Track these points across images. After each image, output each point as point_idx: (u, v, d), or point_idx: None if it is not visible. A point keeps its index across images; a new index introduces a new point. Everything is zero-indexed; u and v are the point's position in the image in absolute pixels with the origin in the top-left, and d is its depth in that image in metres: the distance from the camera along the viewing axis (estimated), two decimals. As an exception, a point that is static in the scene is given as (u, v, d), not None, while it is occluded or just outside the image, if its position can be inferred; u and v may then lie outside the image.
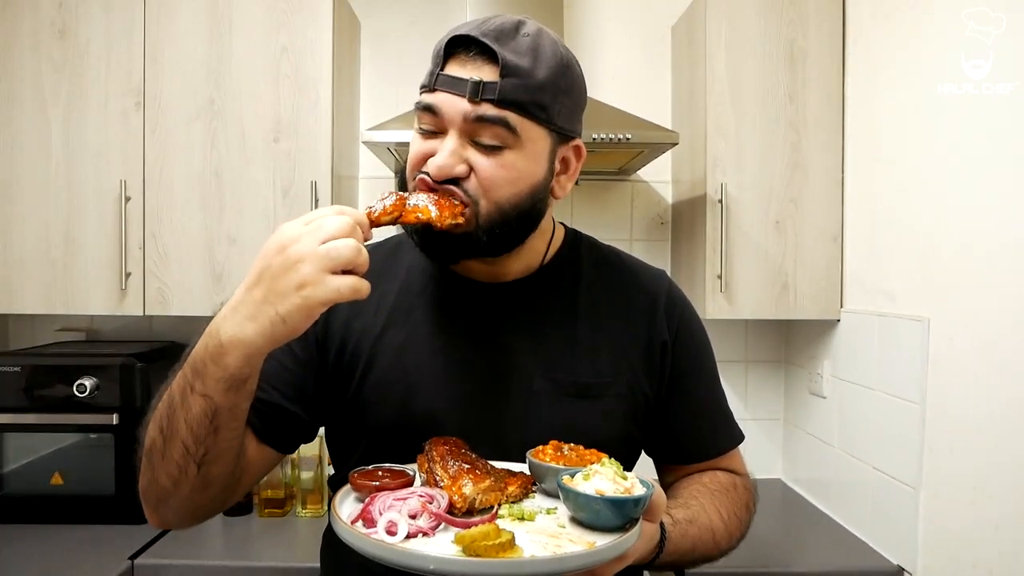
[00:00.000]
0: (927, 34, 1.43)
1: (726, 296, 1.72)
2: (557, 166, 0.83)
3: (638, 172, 2.05)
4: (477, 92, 0.74)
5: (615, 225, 2.07)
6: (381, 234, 0.89)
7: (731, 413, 0.98)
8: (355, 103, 2.00)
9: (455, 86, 0.75)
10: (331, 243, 0.62)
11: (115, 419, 1.63)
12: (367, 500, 0.68)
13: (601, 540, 0.65)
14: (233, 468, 0.76)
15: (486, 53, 0.75)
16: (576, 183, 0.88)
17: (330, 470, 0.98)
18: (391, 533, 0.63)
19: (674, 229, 2.05)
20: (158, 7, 1.70)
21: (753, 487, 0.96)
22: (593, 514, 0.66)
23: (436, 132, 0.78)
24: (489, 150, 0.76)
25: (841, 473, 1.71)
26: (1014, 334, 1.23)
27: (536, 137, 0.78)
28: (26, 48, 1.69)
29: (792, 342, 2.03)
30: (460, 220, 0.71)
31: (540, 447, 0.77)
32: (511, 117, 0.75)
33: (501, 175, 0.76)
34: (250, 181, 1.71)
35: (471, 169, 0.76)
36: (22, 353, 1.76)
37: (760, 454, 2.06)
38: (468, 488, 0.68)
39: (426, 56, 0.82)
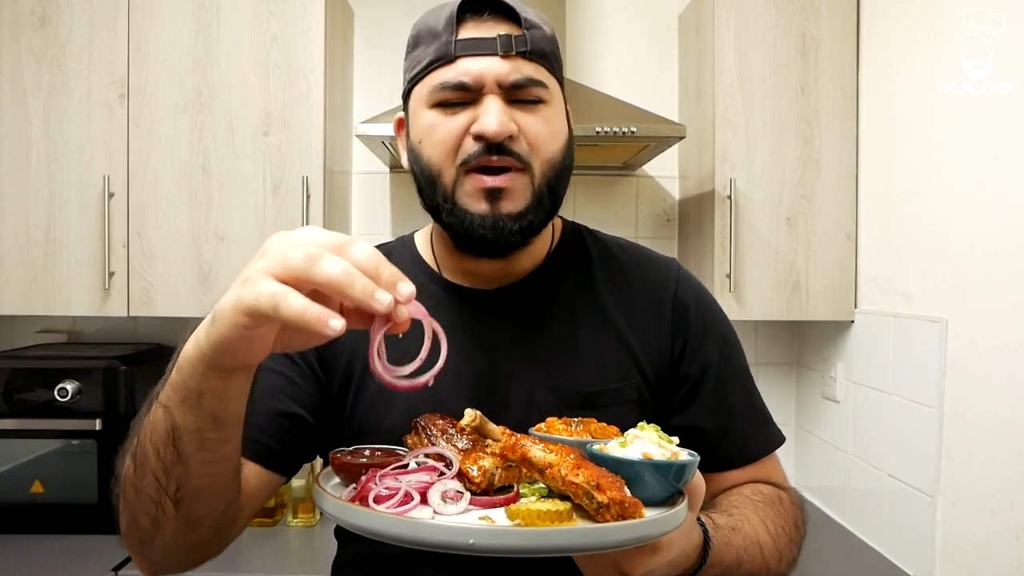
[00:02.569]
0: (944, 25, 1.40)
1: (735, 296, 1.70)
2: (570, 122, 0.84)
3: (643, 167, 2.02)
4: (510, 46, 0.73)
5: (619, 222, 2.04)
6: (363, 221, 0.84)
7: (767, 413, 0.89)
8: (348, 95, 1.97)
9: (481, 47, 0.73)
10: (297, 246, 0.51)
11: (98, 424, 1.60)
12: (365, 479, 0.58)
13: (649, 513, 0.56)
14: (224, 509, 0.69)
15: (499, 11, 0.75)
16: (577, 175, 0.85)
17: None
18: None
19: (681, 226, 2.03)
20: (142, -6, 1.67)
21: (801, 503, 0.87)
22: (637, 482, 0.57)
23: (461, 104, 0.75)
24: (530, 108, 0.75)
25: (855, 481, 1.69)
26: (1038, 336, 1.21)
27: (557, 90, 0.79)
28: (5, 37, 1.66)
29: (804, 344, 2.00)
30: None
31: (540, 425, 0.70)
32: (541, 72, 0.76)
33: (546, 131, 0.76)
34: (239, 176, 1.68)
35: (518, 129, 0.75)
36: (1, 356, 1.73)
37: None
38: (487, 462, 0.60)
39: None
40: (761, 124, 1.70)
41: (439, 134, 0.75)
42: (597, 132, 1.55)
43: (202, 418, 0.59)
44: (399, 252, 0.89)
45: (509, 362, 0.80)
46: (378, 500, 0.55)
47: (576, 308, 0.84)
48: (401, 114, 0.83)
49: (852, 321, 1.72)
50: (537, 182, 0.76)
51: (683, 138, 1.64)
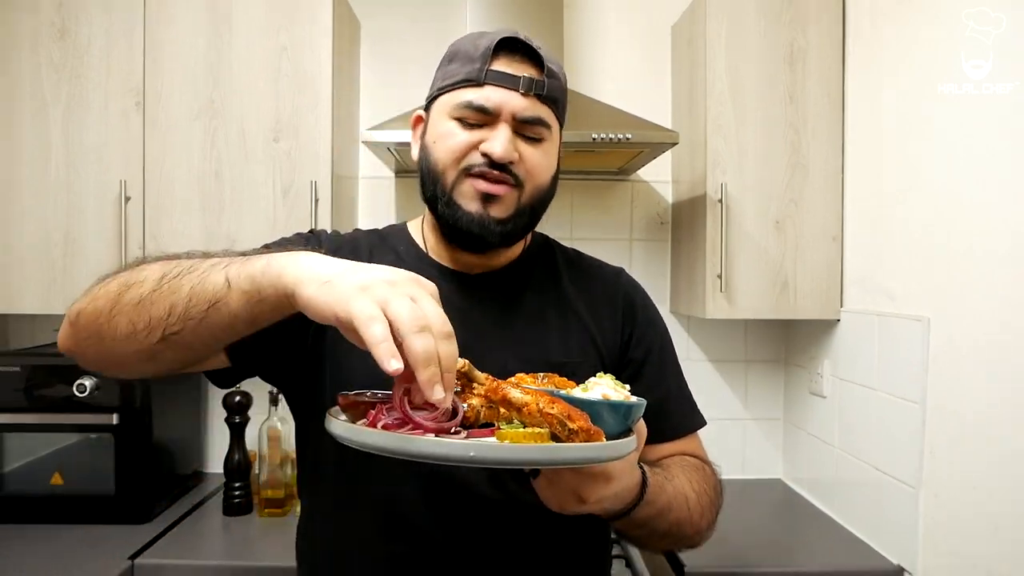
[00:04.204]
0: (927, 34, 1.42)
1: (726, 296, 1.72)
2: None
3: (638, 172, 2.05)
4: (531, 87, 0.84)
5: (615, 225, 2.06)
6: (370, 224, 0.90)
7: (693, 399, 1.02)
8: (355, 103, 2.00)
9: (507, 81, 0.84)
10: (416, 306, 0.60)
11: (115, 419, 1.62)
12: (374, 413, 0.65)
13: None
14: (183, 366, 0.76)
15: (529, 56, 0.86)
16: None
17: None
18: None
19: (674, 229, 2.05)
20: (158, 7, 1.70)
21: (719, 475, 0.98)
22: (595, 419, 0.66)
23: (479, 124, 0.85)
24: (533, 142, 0.87)
25: (841, 473, 1.71)
26: (1015, 333, 1.23)
27: (557, 131, 0.91)
28: (26, 48, 1.69)
29: (792, 342, 2.02)
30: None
31: (510, 380, 0.77)
32: (549, 114, 0.87)
33: (542, 163, 0.88)
34: (250, 181, 1.71)
35: (519, 156, 0.86)
36: (22, 353, 1.76)
37: (760, 454, 2.06)
38: (475, 400, 0.68)
39: (427, 55, 0.88)
40: (751, 131, 1.72)
41: (452, 141, 0.86)
42: (593, 138, 1.57)
43: (247, 311, 0.67)
44: (394, 236, 0.99)
45: (486, 336, 0.89)
46: (389, 428, 0.62)
47: (544, 296, 0.96)
48: (420, 112, 0.94)
49: (838, 320, 1.74)
50: (524, 200, 0.87)
51: (676, 144, 1.66)
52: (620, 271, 1.04)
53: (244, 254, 0.70)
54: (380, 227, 1.03)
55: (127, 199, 1.69)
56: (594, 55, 2.05)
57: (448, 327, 0.62)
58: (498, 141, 0.83)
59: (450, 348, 0.61)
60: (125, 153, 1.70)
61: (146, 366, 0.74)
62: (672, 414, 0.97)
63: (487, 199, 0.85)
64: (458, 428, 0.64)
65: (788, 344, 2.05)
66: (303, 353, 0.88)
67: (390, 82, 2.03)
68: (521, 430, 0.62)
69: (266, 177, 1.71)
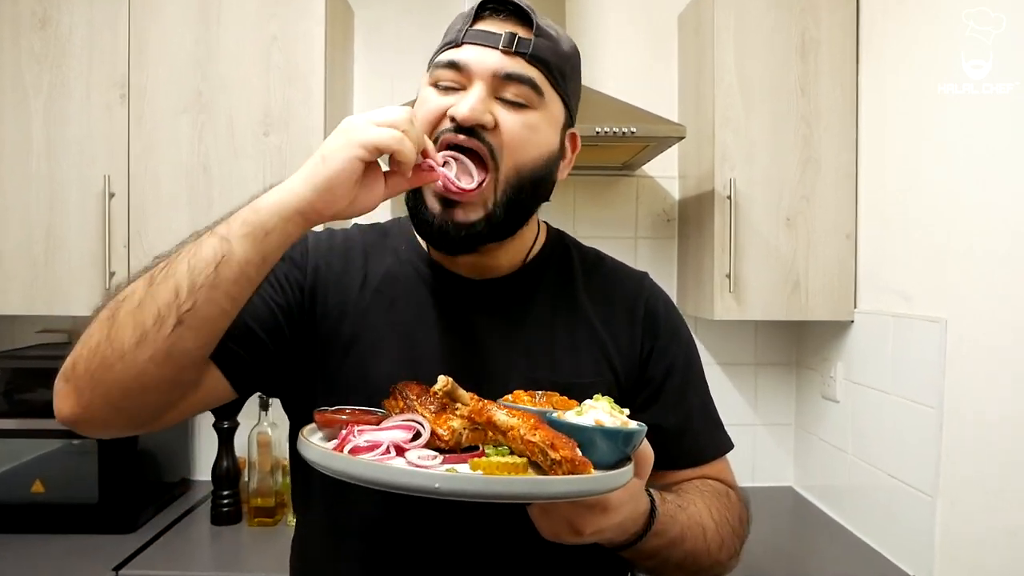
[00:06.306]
0: (943, 26, 1.41)
1: (735, 296, 1.70)
2: (566, 145, 0.84)
3: (643, 167, 2.03)
4: (512, 43, 0.75)
5: (619, 222, 2.05)
6: (370, 218, 0.84)
7: (720, 419, 0.94)
8: (348, 95, 1.98)
9: (487, 39, 0.76)
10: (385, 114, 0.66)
11: None
12: (344, 432, 0.63)
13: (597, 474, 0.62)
14: (200, 360, 0.71)
15: (518, 16, 0.77)
16: (571, 174, 0.90)
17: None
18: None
19: (681, 226, 2.04)
20: (143, -5, 1.67)
21: (747, 502, 0.90)
22: (589, 446, 0.62)
23: (456, 88, 0.77)
24: (515, 107, 0.76)
25: (855, 480, 1.70)
26: (1037, 336, 1.22)
27: (555, 105, 0.79)
28: (6, 38, 1.67)
29: (804, 344, 2.01)
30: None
31: (507, 396, 0.74)
32: (539, 77, 0.76)
33: (525, 134, 0.76)
34: (239, 176, 1.69)
35: (495, 123, 0.75)
36: (2, 355, 1.74)
37: (771, 460, 2.05)
38: (456, 423, 0.65)
39: (422, 45, 0.82)
40: (761, 124, 1.71)
41: (425, 108, 0.77)
42: (597, 132, 1.55)
43: (256, 253, 0.66)
44: (397, 233, 0.91)
45: (489, 351, 0.82)
46: (358, 451, 0.61)
47: (556, 308, 0.87)
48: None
49: (852, 321, 1.73)
50: (500, 190, 0.76)
51: (683, 138, 1.64)
52: (644, 276, 0.94)
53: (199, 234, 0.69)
54: (385, 220, 0.95)
55: (111, 195, 1.67)
56: (597, 46, 2.03)
57: (407, 110, 0.69)
58: (466, 100, 0.73)
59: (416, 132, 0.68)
60: (109, 147, 1.68)
61: (164, 371, 0.67)
62: (696, 437, 0.89)
63: (448, 201, 0.75)
64: (439, 450, 0.62)
65: (799, 346, 2.04)
66: (298, 359, 0.83)
67: (385, 73, 2.01)
68: (496, 459, 0.59)
69: (256, 172, 1.69)
